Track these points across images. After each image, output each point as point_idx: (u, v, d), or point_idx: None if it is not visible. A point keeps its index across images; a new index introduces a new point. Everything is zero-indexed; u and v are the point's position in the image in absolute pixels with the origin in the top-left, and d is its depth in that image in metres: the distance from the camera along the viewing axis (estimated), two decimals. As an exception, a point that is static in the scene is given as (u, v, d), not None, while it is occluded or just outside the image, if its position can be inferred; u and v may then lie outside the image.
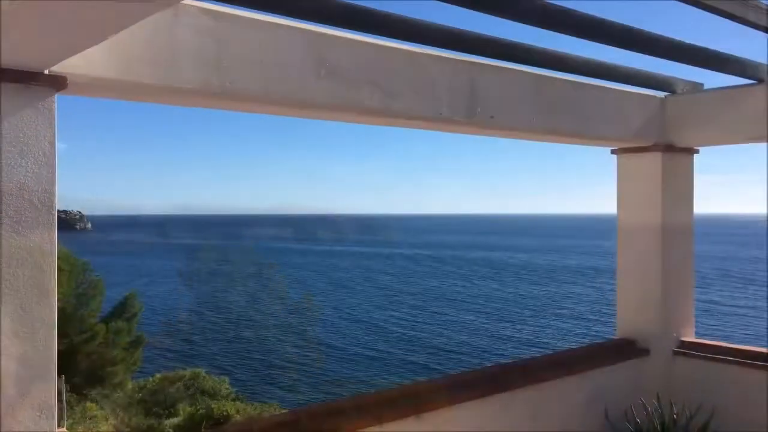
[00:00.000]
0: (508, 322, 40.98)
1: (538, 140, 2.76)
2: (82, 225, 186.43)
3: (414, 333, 35.68)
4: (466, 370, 2.72)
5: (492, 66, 2.34)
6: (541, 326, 37.34)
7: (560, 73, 2.57)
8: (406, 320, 40.58)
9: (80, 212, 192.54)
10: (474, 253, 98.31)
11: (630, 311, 3.23)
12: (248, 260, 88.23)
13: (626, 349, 3.12)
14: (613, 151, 3.24)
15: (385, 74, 2.03)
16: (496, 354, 32.08)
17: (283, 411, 17.02)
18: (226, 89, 1.70)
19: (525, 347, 33.05)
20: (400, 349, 32.04)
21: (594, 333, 36.74)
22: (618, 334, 3.24)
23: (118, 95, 1.67)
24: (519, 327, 38.60)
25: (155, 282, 60.57)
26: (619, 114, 2.85)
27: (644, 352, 3.12)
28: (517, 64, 2.41)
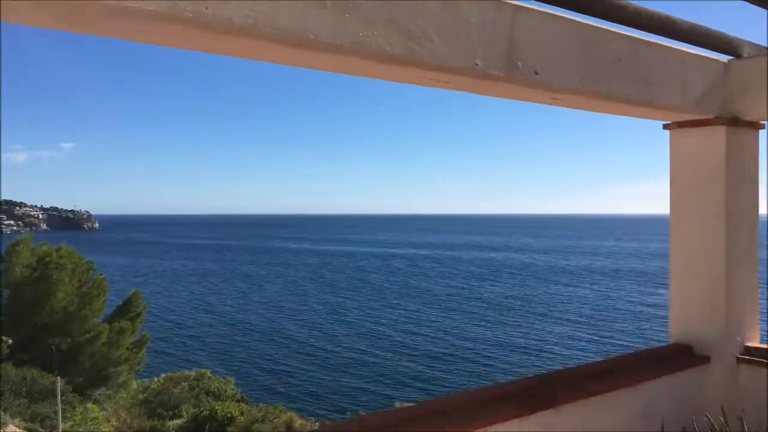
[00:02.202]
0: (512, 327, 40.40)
1: (585, 108, 2.32)
2: (89, 224, 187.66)
3: (412, 338, 35.17)
4: (501, 381, 2.28)
5: (537, 11, 1.91)
6: (541, 331, 36.75)
7: (613, 24, 2.14)
8: (403, 323, 40.12)
9: (88, 212, 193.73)
10: (472, 253, 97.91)
11: (686, 312, 2.78)
12: (247, 260, 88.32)
13: (682, 357, 2.68)
14: (665, 126, 2.79)
15: (409, 13, 1.60)
16: (497, 359, 31.54)
17: (286, 414, 16.59)
18: (200, 16, 1.27)
19: (527, 352, 32.48)
20: (396, 355, 31.56)
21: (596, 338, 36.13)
22: (672, 339, 2.79)
23: (48, 19, 1.22)
24: (524, 332, 38.04)
25: (149, 282, 60.60)
26: (680, 79, 2.41)
27: (703, 359, 2.67)
28: (566, 11, 1.98)
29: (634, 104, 2.29)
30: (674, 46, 2.38)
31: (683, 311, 2.79)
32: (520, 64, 1.86)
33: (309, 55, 1.50)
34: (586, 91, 2.07)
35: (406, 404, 18.54)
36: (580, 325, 38.42)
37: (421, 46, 1.63)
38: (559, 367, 2.21)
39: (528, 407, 1.99)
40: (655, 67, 2.30)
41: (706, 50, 2.54)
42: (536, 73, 1.91)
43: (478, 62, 1.76)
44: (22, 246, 20.81)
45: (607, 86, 2.14)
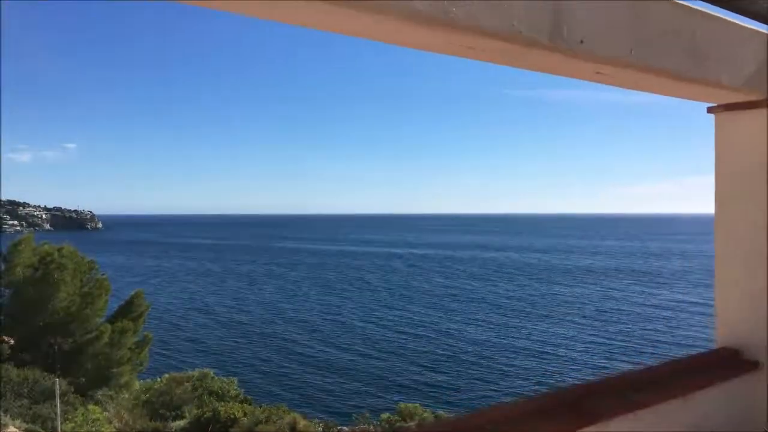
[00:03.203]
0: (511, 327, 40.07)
1: (629, 85, 2.07)
2: (93, 224, 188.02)
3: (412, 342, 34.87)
4: (542, 393, 2.01)
5: (583, -29, 1.67)
6: (543, 332, 36.45)
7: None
8: (406, 325, 39.83)
9: (91, 212, 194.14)
10: (473, 252, 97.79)
11: (733, 314, 2.54)
12: (250, 260, 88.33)
13: (730, 362, 2.44)
14: (710, 110, 2.55)
15: (442, -34, 1.37)
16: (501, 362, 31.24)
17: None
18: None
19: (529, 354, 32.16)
20: (399, 356, 31.28)
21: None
22: (718, 343, 2.55)
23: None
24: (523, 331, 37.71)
25: (149, 282, 60.57)
26: (733, 55, 2.16)
27: (752, 365, 2.43)
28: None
29: (684, 81, 2.05)
30: (728, 18, 2.15)
31: (730, 313, 2.55)
32: (565, 30, 1.63)
33: (331, 10, 1.27)
34: (634, 65, 1.84)
35: (410, 405, 18.22)
36: (582, 327, 38.15)
37: (458, 8, 1.40)
38: (605, 375, 1.97)
39: (572, 423, 1.76)
40: (708, 41, 2.06)
41: (750, 21, 2.29)
42: (581, 42, 1.68)
43: (520, 28, 1.53)
44: (23, 246, 20.65)
45: (658, 60, 1.90)
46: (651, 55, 1.88)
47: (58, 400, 11.87)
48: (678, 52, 1.96)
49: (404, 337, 35.84)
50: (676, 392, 2.08)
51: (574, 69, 1.83)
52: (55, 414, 13.00)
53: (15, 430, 12.21)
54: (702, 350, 2.60)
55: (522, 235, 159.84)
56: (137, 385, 20.84)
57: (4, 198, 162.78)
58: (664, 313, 41.44)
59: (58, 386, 12.07)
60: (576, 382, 1.97)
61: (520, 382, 26.44)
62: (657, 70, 1.93)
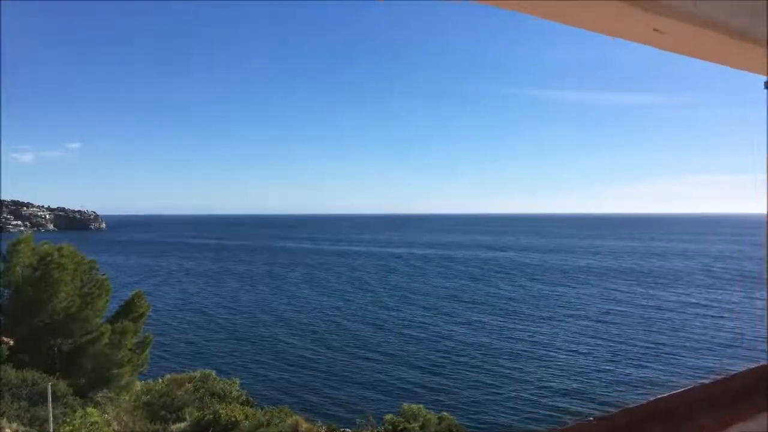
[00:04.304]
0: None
1: (685, 48, 1.75)
2: (96, 225, 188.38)
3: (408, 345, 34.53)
4: (579, 424, 1.65)
5: None
6: (545, 335, 36.06)
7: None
8: (410, 327, 39.51)
9: (94, 212, 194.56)
10: (475, 253, 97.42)
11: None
12: (253, 260, 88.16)
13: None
14: None
15: None
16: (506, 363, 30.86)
17: (296, 417, 16.05)
18: None
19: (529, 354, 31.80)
20: (401, 359, 30.97)
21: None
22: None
23: None
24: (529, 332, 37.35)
25: (150, 282, 60.44)
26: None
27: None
28: None
29: (746, 42, 1.72)
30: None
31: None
32: (621, -28, 1.31)
33: None
34: (697, 18, 1.51)
35: (414, 406, 17.88)
36: (585, 328, 37.78)
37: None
38: (646, 401, 1.64)
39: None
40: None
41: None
42: (641, -14, 1.36)
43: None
44: (23, 245, 20.41)
45: (724, 15, 1.58)
46: (716, 11, 1.56)
47: (50, 405, 11.59)
48: (737, 7, 1.64)
49: (405, 339, 35.56)
50: (727, 419, 1.76)
51: (627, 24, 1.50)
52: (53, 416, 12.73)
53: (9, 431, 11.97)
54: (753, 365, 2.26)
55: (522, 235, 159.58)
56: (138, 386, 20.61)
57: (7, 198, 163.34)
58: (667, 315, 41.04)
59: (50, 390, 11.79)
60: (614, 410, 1.63)
61: (522, 385, 26.12)
62: (721, 27, 1.61)
